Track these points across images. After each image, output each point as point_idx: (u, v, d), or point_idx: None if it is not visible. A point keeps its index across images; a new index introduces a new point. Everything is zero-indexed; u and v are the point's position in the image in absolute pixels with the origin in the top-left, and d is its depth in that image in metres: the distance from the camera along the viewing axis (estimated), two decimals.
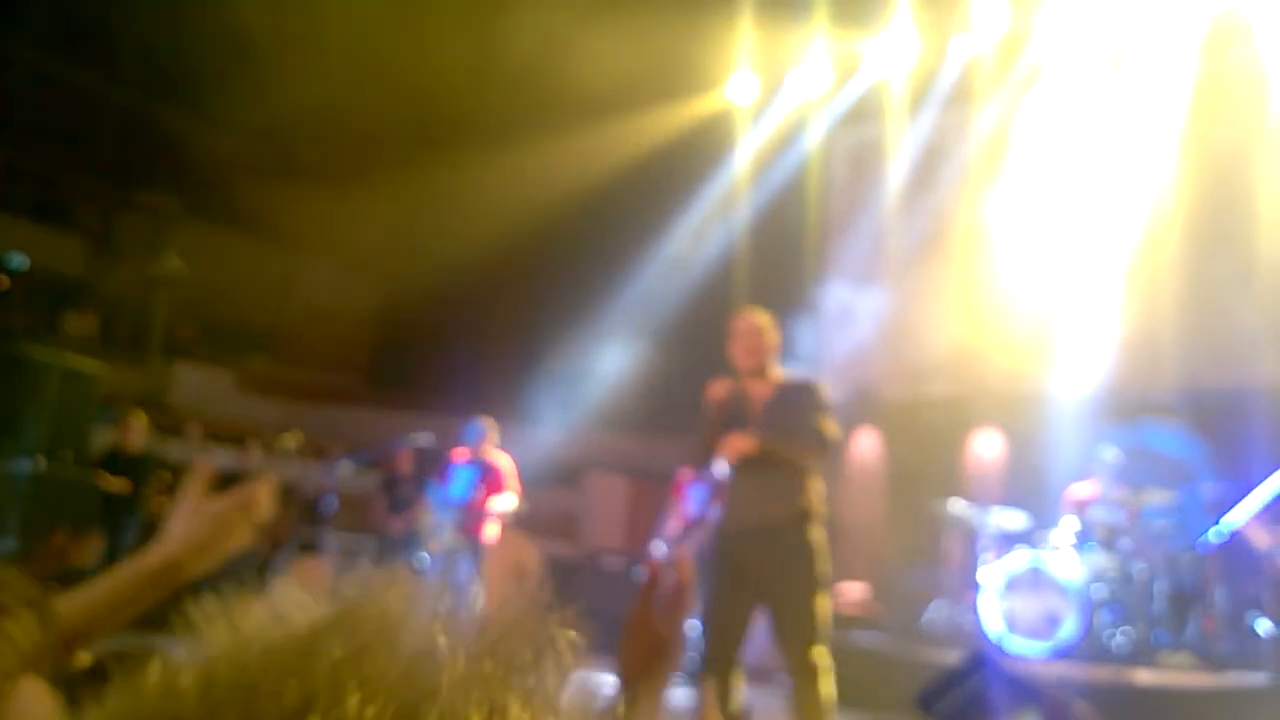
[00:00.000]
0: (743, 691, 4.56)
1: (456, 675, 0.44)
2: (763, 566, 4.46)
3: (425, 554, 8.61)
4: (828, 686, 4.43)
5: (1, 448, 10.81)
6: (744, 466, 4.48)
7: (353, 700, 0.40)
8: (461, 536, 8.30)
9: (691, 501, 8.02)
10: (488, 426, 8.61)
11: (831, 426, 4.58)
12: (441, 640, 0.46)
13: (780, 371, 4.76)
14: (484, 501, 8.31)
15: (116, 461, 9.73)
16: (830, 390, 4.80)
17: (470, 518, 8.30)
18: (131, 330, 16.13)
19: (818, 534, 4.52)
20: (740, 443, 4.41)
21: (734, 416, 4.59)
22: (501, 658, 0.47)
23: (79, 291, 15.93)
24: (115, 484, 9.37)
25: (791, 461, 4.53)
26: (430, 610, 0.48)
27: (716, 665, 4.45)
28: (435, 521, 8.50)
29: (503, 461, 8.52)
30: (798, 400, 4.61)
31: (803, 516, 4.51)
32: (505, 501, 8.32)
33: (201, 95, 14.98)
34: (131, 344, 16.03)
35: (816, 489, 4.59)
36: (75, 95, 15.37)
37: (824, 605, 4.47)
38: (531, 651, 0.49)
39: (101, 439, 10.97)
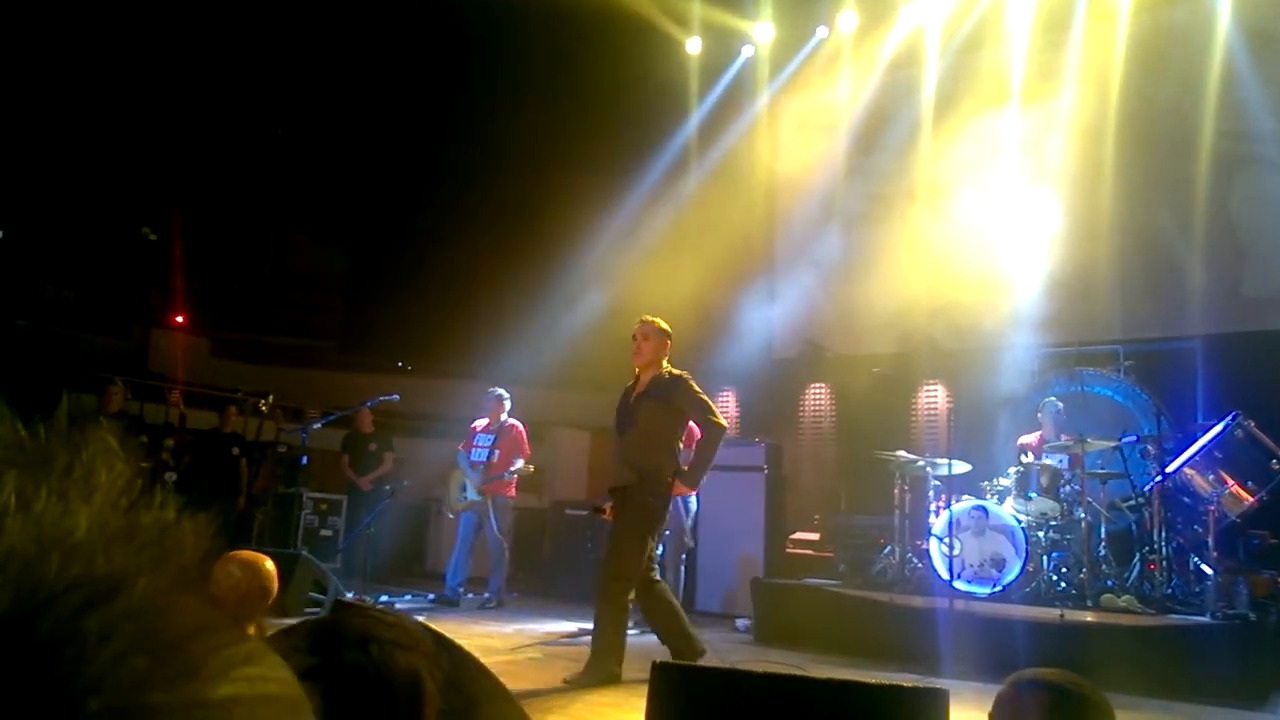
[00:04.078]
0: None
1: None
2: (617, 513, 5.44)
3: (450, 512, 9.09)
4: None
5: None
6: (615, 439, 5.59)
7: None
8: (482, 494, 8.71)
9: (478, 448, 8.77)
10: (502, 396, 8.96)
11: (703, 413, 5.46)
12: None
13: (655, 371, 5.55)
14: (500, 463, 8.73)
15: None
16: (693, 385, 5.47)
17: (489, 478, 8.70)
18: (109, 300, 15.60)
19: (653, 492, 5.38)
20: None
21: (622, 404, 5.62)
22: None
23: (58, 263, 15.38)
24: None
25: (644, 435, 5.39)
26: None
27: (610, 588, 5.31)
28: (460, 482, 8.87)
29: (515, 427, 8.92)
30: (659, 392, 5.45)
31: (642, 478, 5.35)
32: (517, 463, 8.77)
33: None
34: (109, 313, 15.49)
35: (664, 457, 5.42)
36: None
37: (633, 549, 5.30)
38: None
39: (81, 404, 10.55)
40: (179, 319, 16.20)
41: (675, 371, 5.57)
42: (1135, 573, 6.94)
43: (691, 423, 5.79)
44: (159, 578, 0.36)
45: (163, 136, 15.48)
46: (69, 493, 0.37)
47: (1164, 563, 6.79)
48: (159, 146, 15.66)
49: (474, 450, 8.88)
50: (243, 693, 0.34)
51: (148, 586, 0.35)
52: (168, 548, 0.38)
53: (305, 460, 10.07)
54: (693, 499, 8.10)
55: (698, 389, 5.47)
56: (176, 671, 0.33)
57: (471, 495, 8.74)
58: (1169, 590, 6.70)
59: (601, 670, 5.20)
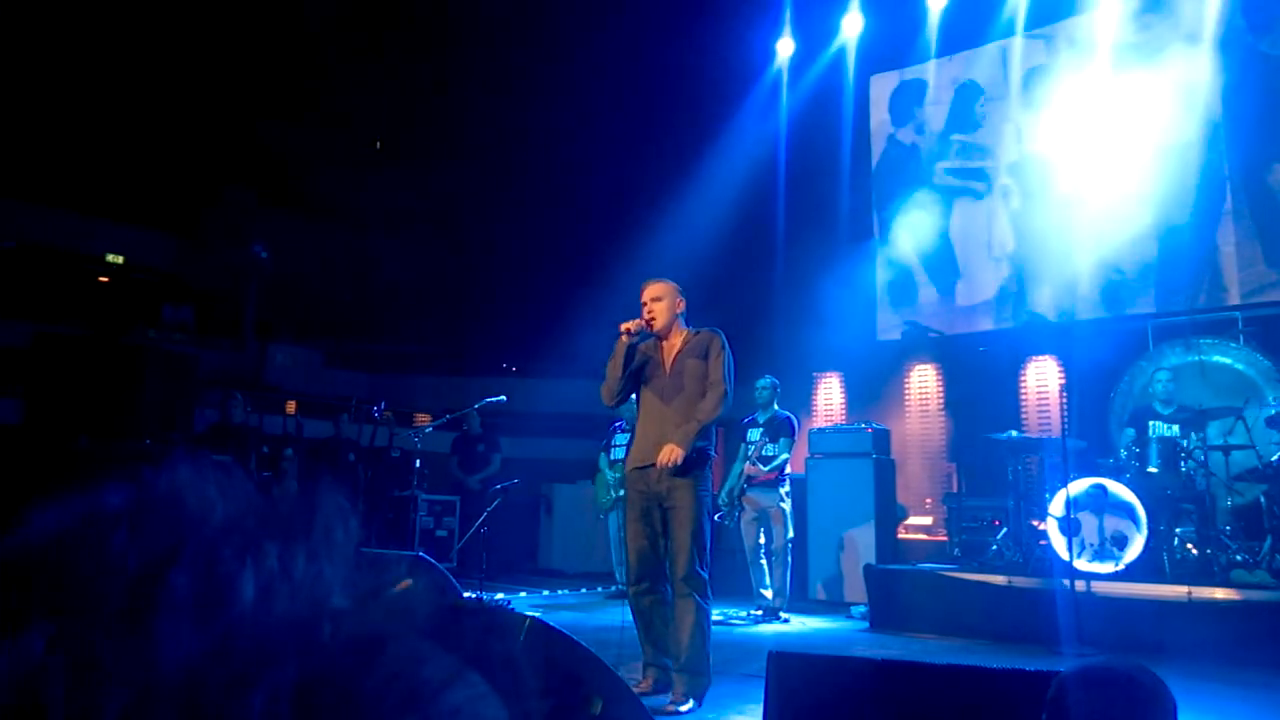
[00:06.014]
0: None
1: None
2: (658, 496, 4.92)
3: (601, 514, 9.43)
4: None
5: (112, 431, 10.93)
6: (645, 411, 5.09)
7: None
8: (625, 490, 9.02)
9: (616, 447, 9.02)
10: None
11: (721, 371, 4.98)
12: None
13: (682, 330, 5.15)
14: None
15: (219, 438, 9.75)
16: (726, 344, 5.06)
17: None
18: (225, 317, 16.25)
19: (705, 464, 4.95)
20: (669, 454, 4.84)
21: (654, 370, 5.10)
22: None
23: (174, 284, 16.08)
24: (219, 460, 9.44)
25: (693, 400, 4.95)
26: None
27: (638, 583, 4.94)
28: (605, 483, 9.24)
29: None
30: (700, 351, 5.03)
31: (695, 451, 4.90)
32: None
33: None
34: (225, 330, 16.15)
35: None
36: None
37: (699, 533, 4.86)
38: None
39: (204, 419, 11.02)
40: (291, 332, 16.79)
41: (708, 329, 5.22)
42: (1267, 547, 6.72)
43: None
44: (407, 634, 0.38)
45: (266, 152, 16.03)
46: (317, 555, 0.39)
47: None
48: (261, 164, 16.24)
49: (613, 450, 9.21)
50: None
51: (399, 645, 0.37)
52: (410, 606, 0.40)
53: (418, 463, 10.44)
54: (783, 489, 8.04)
55: (728, 350, 5.12)
56: None
57: (615, 490, 9.11)
58: None
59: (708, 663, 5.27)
